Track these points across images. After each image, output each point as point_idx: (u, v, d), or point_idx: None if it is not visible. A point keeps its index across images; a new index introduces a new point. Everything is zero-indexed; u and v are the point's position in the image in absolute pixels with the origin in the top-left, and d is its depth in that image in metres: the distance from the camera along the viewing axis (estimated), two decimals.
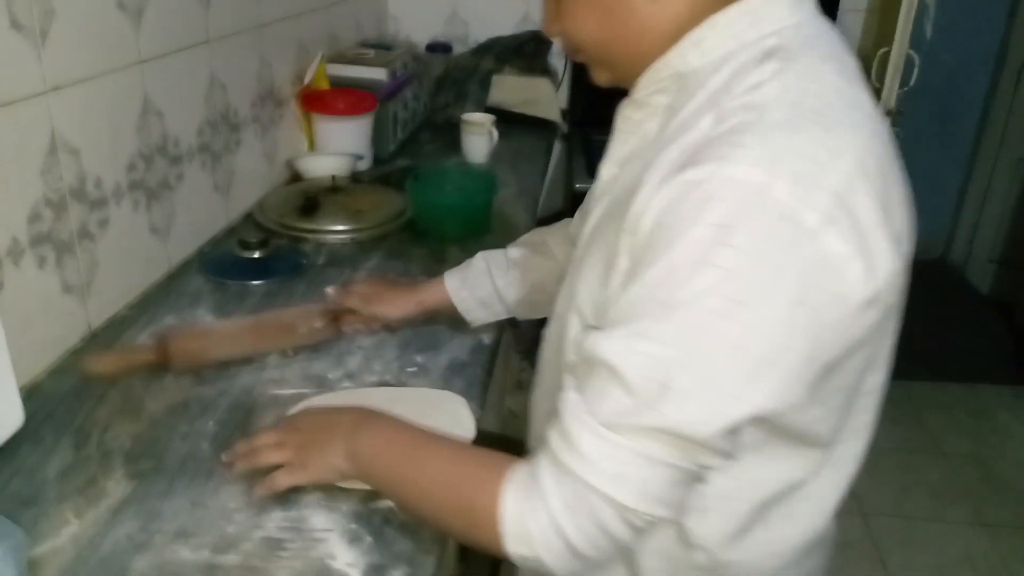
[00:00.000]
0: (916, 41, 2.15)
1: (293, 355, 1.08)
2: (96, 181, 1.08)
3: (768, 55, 0.62)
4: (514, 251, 1.09)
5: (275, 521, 0.80)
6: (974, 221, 3.73)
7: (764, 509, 0.71)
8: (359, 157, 1.74)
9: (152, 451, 0.89)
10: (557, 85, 2.33)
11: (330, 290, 1.14)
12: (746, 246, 0.54)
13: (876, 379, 0.72)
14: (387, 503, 0.82)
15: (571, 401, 0.62)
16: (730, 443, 0.60)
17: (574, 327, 0.72)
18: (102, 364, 1.01)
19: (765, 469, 0.69)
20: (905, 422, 2.75)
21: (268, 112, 1.61)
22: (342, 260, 1.37)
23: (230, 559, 0.76)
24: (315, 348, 1.10)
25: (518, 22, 2.40)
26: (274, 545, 0.77)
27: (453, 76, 2.23)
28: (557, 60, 2.38)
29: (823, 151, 0.56)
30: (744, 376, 0.56)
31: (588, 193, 0.86)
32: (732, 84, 0.62)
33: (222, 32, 1.38)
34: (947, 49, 3.50)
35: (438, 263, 1.33)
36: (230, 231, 1.45)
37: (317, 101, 1.74)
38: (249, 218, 1.51)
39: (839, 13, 2.29)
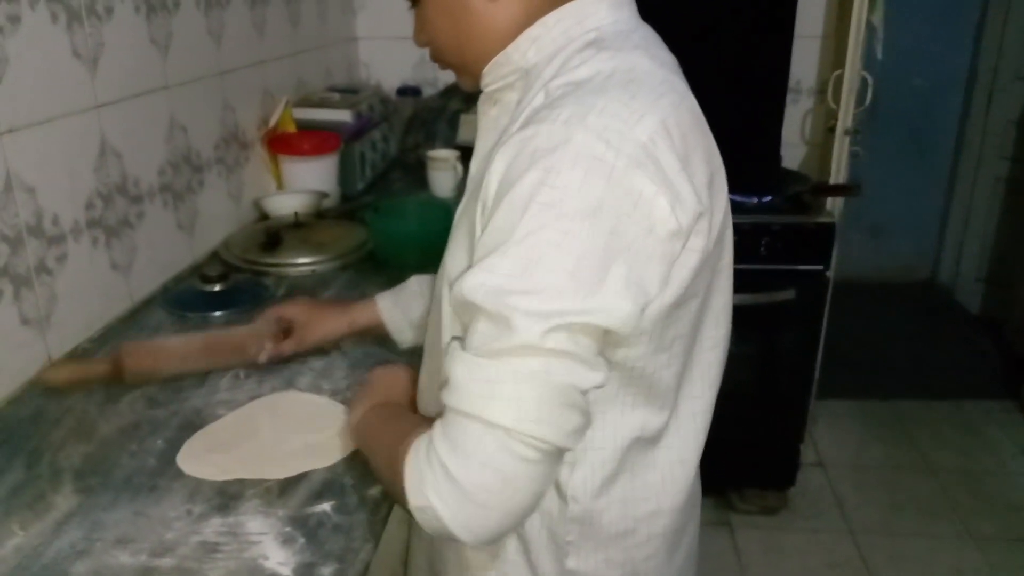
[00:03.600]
0: (870, 64, 2.22)
1: (244, 377, 1.12)
2: (53, 218, 1.13)
3: (588, 45, 0.72)
4: None
5: (213, 527, 0.83)
6: (959, 241, 3.76)
7: (627, 457, 0.77)
8: (325, 195, 1.80)
9: (101, 468, 0.93)
10: None
11: (269, 312, 1.17)
12: (567, 184, 0.63)
13: (717, 333, 0.81)
14: (322, 507, 0.86)
15: (451, 346, 0.67)
16: (588, 354, 0.64)
17: (447, 300, 0.77)
18: (59, 374, 1.06)
19: (624, 417, 0.75)
20: (894, 440, 2.75)
21: (232, 154, 1.67)
22: (302, 290, 1.41)
23: (166, 562, 0.79)
24: (266, 369, 1.13)
25: None
26: (210, 548, 0.80)
27: (422, 117, 2.30)
28: None
29: (627, 110, 0.65)
30: (578, 293, 0.62)
31: None
32: (560, 71, 0.72)
33: (182, 79, 1.45)
34: (918, 74, 3.58)
35: None
36: (195, 268, 1.50)
37: (282, 143, 1.81)
38: (215, 255, 1.56)
39: (795, 39, 2.36)
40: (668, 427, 0.80)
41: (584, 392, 0.64)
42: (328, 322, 1.14)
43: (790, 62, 2.39)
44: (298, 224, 1.63)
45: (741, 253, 2.05)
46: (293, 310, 1.16)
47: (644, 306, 0.66)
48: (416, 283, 1.13)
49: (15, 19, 1.04)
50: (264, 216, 1.75)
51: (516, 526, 0.67)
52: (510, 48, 0.76)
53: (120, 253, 1.29)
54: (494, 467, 0.62)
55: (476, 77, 0.81)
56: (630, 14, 0.78)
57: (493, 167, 0.67)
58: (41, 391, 1.08)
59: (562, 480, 0.76)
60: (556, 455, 0.65)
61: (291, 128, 1.86)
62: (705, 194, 0.69)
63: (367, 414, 0.89)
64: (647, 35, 0.77)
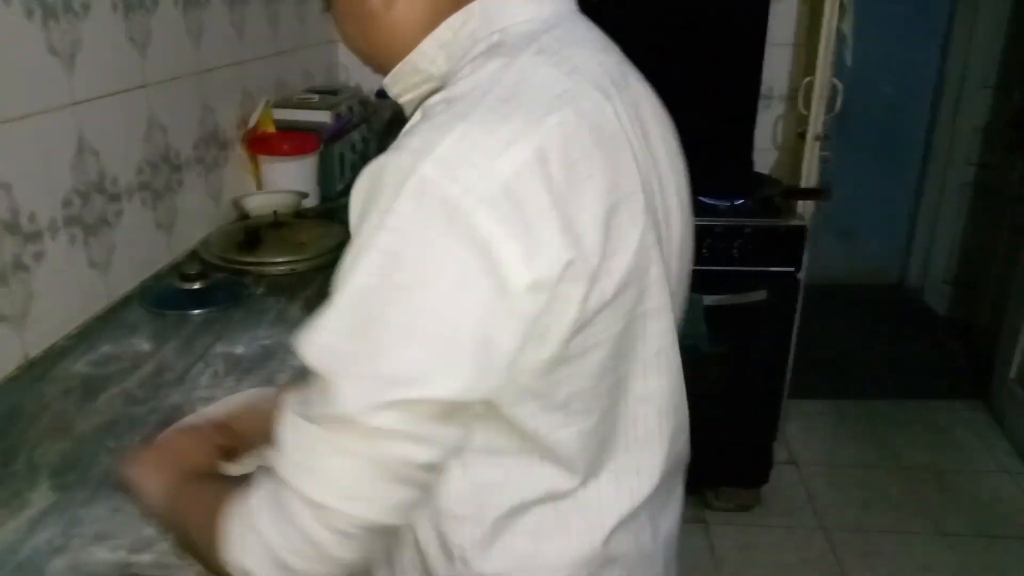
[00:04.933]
0: (840, 71, 2.26)
1: (223, 375, 1.12)
2: (30, 215, 1.13)
3: (486, 50, 0.64)
4: None
5: None
6: (927, 245, 3.84)
7: (528, 518, 0.68)
8: (304, 195, 1.80)
9: (78, 465, 0.93)
10: None
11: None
12: (403, 228, 0.55)
13: (649, 386, 0.70)
14: None
15: (286, 401, 0.61)
16: (422, 429, 0.57)
17: None
18: None
19: (528, 477, 0.67)
20: (865, 439, 2.80)
21: (212, 154, 1.67)
22: (281, 289, 1.42)
23: (144, 558, 0.79)
24: (246, 365, 1.14)
25: None
26: None
27: (401, 119, 2.30)
28: None
29: (492, 138, 0.56)
30: (412, 360, 0.55)
31: None
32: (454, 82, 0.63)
33: (160, 77, 1.45)
34: (887, 81, 3.65)
35: None
36: (174, 267, 1.50)
37: (262, 143, 1.81)
38: (194, 254, 1.56)
39: (766, 47, 2.40)
40: (585, 488, 0.69)
41: (419, 466, 0.58)
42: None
43: (762, 69, 2.43)
44: (277, 223, 1.63)
45: (715, 255, 2.12)
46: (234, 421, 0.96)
47: (497, 369, 0.57)
48: None
49: None
50: (244, 216, 1.75)
51: None
52: (414, 54, 0.68)
53: (98, 251, 1.29)
54: (311, 539, 0.58)
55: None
56: (555, 9, 0.68)
57: (351, 200, 0.59)
58: (18, 387, 1.07)
59: (446, 532, 0.69)
60: (379, 529, 0.60)
61: (271, 129, 1.86)
62: (594, 234, 0.58)
63: (172, 489, 0.77)
64: (569, 33, 0.66)
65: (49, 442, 0.97)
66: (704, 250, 2.12)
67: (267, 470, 0.61)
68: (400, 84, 0.70)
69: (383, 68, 0.72)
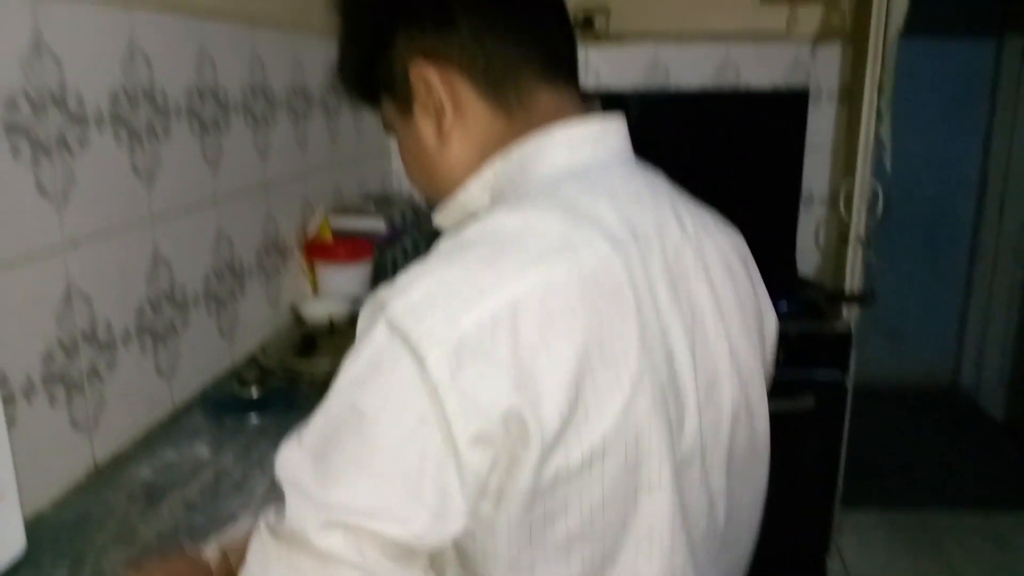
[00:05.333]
0: (880, 173, 2.29)
1: None
2: (107, 325, 1.19)
3: (512, 196, 0.68)
4: None
5: None
6: (979, 346, 3.76)
7: None
8: (358, 300, 1.86)
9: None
10: None
11: None
12: (372, 359, 0.57)
13: (635, 569, 0.64)
14: None
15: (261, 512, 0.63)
16: (371, 563, 0.56)
17: None
18: None
19: None
20: (922, 551, 2.69)
21: (272, 261, 1.75)
22: None
23: None
24: None
25: None
26: None
27: None
28: None
29: (469, 287, 0.57)
30: (361, 489, 0.56)
31: None
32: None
33: (230, 191, 1.54)
34: (929, 180, 3.67)
35: None
36: (233, 372, 1.55)
37: (319, 250, 1.89)
38: (252, 360, 1.61)
39: (805, 152, 2.46)
40: None
41: None
42: None
43: (802, 172, 2.48)
44: (332, 329, 1.68)
45: None
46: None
47: (455, 518, 0.57)
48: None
49: (84, 141, 1.13)
50: (300, 320, 1.81)
51: None
52: (461, 193, 0.72)
53: (165, 358, 1.35)
54: None
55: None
56: (591, 156, 0.69)
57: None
58: (86, 494, 1.11)
59: None
60: None
61: (328, 236, 1.94)
62: (559, 395, 0.56)
63: None
64: (597, 182, 0.67)
65: (115, 550, 1.00)
66: None
67: None
68: (449, 218, 0.75)
69: (434, 198, 0.76)
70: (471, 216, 0.70)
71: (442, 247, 0.62)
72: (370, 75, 0.75)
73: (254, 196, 1.66)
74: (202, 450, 1.25)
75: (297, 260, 1.88)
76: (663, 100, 2.52)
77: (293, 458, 0.60)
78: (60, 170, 1.08)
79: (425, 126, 0.72)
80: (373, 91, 0.76)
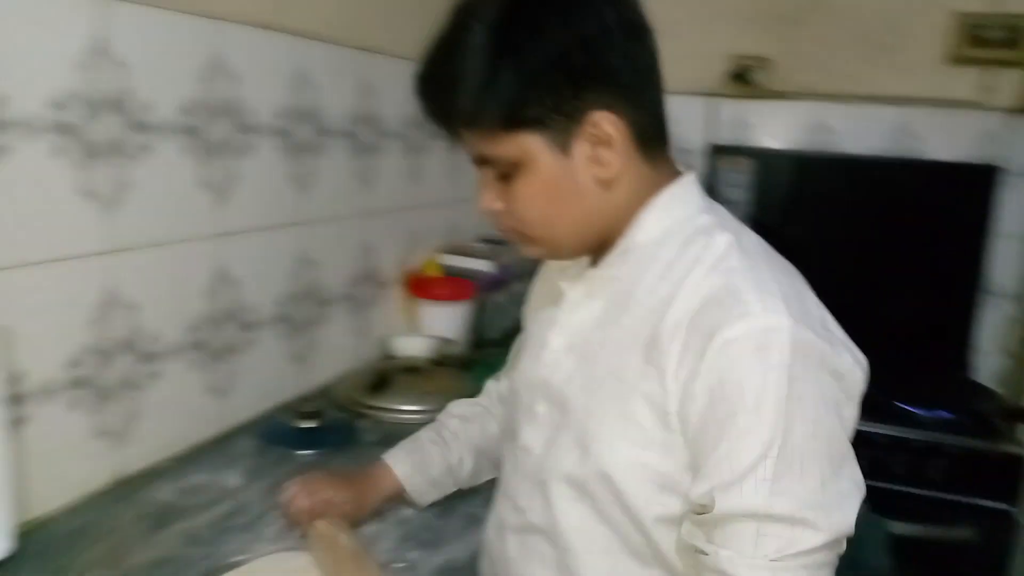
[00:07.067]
0: None
1: (291, 527, 1.06)
2: (153, 336, 1.16)
3: (710, 226, 0.76)
4: (454, 422, 1.12)
5: None
6: None
7: None
8: (451, 341, 1.77)
9: None
10: None
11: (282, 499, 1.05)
12: (799, 374, 0.65)
13: None
14: None
15: (724, 559, 0.66)
16: None
17: (598, 487, 0.75)
18: None
19: None
20: None
21: (366, 292, 1.70)
22: (394, 439, 1.35)
23: None
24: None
25: None
26: None
27: None
28: None
29: (791, 288, 0.71)
30: (844, 482, 0.68)
31: (520, 355, 0.95)
32: (684, 254, 0.74)
33: (319, 216, 1.51)
34: None
35: None
36: (302, 399, 1.49)
37: (421, 285, 1.82)
38: (324, 390, 1.55)
39: (995, 238, 2.11)
40: None
41: None
42: (348, 506, 1.02)
43: (981, 261, 2.13)
44: (412, 368, 1.60)
45: (910, 474, 1.80)
46: (308, 494, 1.02)
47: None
48: (430, 441, 1.09)
49: (146, 148, 1.12)
50: (389, 355, 1.75)
51: None
52: (635, 230, 0.77)
53: (219, 377, 1.31)
54: None
55: (550, 250, 0.82)
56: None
57: (680, 369, 0.68)
58: (96, 506, 1.07)
59: None
60: None
61: (436, 273, 1.88)
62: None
63: None
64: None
65: (98, 571, 0.94)
66: (896, 466, 1.81)
67: None
68: (627, 266, 0.78)
69: (556, 236, 0.78)
70: (619, 253, 0.78)
71: (727, 276, 0.71)
72: (523, 105, 0.71)
73: (349, 223, 1.62)
74: (233, 478, 1.19)
75: (395, 293, 1.82)
76: (825, 162, 2.27)
77: (788, 490, 0.66)
78: (112, 174, 1.07)
79: (585, 169, 0.74)
80: (512, 121, 0.72)
